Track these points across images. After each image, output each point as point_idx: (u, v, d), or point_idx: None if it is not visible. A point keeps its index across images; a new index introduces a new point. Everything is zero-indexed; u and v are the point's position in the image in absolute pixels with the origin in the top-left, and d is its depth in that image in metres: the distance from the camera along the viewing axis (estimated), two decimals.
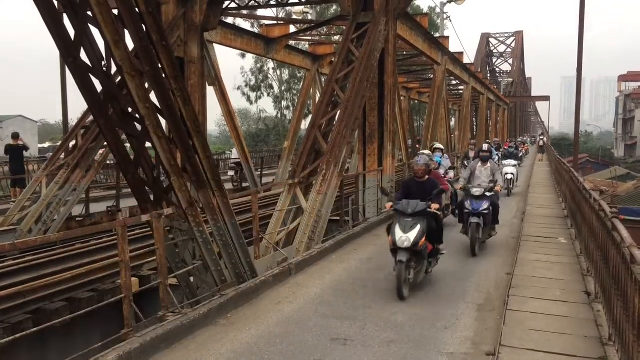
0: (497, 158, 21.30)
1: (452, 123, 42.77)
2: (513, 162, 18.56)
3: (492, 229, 9.74)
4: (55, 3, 5.50)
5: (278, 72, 47.15)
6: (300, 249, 9.23)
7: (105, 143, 9.18)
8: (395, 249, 6.84)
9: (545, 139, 48.05)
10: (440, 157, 12.32)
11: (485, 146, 10.87)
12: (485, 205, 9.22)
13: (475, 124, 43.88)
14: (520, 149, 32.64)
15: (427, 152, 11.31)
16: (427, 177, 7.57)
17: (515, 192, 17.97)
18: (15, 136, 16.51)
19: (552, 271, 7.63)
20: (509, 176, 17.44)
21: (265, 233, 9.70)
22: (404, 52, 22.40)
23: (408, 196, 7.31)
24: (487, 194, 9.41)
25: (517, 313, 5.82)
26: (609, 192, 29.88)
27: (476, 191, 9.40)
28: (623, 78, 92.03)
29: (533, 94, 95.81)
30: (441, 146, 13.24)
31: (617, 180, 38.29)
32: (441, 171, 11.62)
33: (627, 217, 17.92)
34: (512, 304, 6.08)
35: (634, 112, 78.06)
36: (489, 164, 10.49)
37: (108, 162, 17.67)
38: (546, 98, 68.71)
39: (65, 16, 5.64)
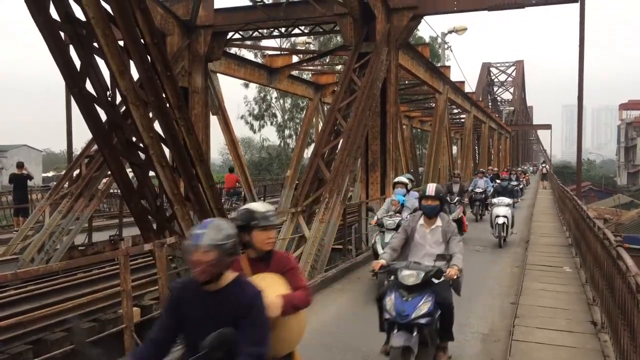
0: (491, 190, 17.53)
1: (454, 151, 42.88)
2: (506, 200, 13.87)
3: (440, 349, 5.14)
4: (62, 35, 5.61)
5: (281, 101, 47.54)
6: None
7: (109, 172, 9.23)
8: None
9: (547, 167, 47.49)
10: (404, 195, 8.79)
11: (430, 188, 5.46)
12: (423, 307, 4.71)
13: (477, 152, 44.01)
14: (520, 180, 28.16)
15: (255, 208, 3.23)
16: (229, 276, 2.70)
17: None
18: (20, 165, 16.60)
19: (558, 300, 7.55)
20: (501, 220, 13.02)
21: None
22: (406, 81, 22.61)
23: (173, 332, 2.77)
24: (434, 280, 4.86)
25: (522, 343, 5.74)
26: (612, 220, 29.81)
27: (408, 276, 4.80)
28: (624, 106, 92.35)
29: (534, 122, 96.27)
30: (405, 179, 9.14)
31: (620, 208, 38.24)
32: (404, 214, 8.27)
33: (631, 245, 17.83)
34: (518, 334, 6.01)
35: (635, 140, 78.19)
36: (438, 222, 5.33)
37: (111, 191, 17.71)
38: (548, 126, 69.03)
39: (71, 47, 5.74)
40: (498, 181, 19.12)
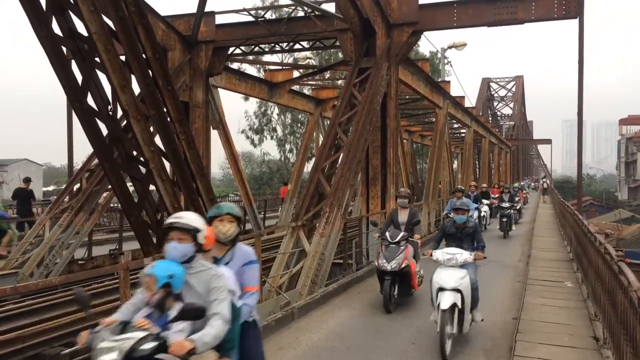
0: (475, 216, 13.30)
1: (455, 166, 42.89)
2: (461, 255, 6.49)
3: None
4: (64, 50, 5.64)
5: (282, 116, 47.67)
6: (303, 293, 9.13)
7: (110, 186, 9.23)
8: None
9: (548, 182, 47.52)
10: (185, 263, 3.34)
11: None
12: None
13: (477, 166, 44.04)
14: (517, 200, 21.45)
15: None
16: None
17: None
18: (27, 180, 16.54)
19: (559, 316, 7.51)
20: (446, 302, 6.06)
21: (268, 276, 9.63)
22: (406, 96, 22.66)
23: None
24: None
25: (524, 359, 5.70)
26: (613, 235, 29.73)
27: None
28: (624, 122, 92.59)
29: (535, 137, 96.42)
30: (193, 222, 3.48)
31: (621, 223, 38.16)
32: (171, 315, 3.13)
33: (633, 260, 17.76)
34: (520, 350, 5.97)
35: (636, 155, 78.35)
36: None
37: (112, 205, 17.69)
38: (548, 141, 69.09)
39: (73, 62, 5.77)
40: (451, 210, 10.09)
